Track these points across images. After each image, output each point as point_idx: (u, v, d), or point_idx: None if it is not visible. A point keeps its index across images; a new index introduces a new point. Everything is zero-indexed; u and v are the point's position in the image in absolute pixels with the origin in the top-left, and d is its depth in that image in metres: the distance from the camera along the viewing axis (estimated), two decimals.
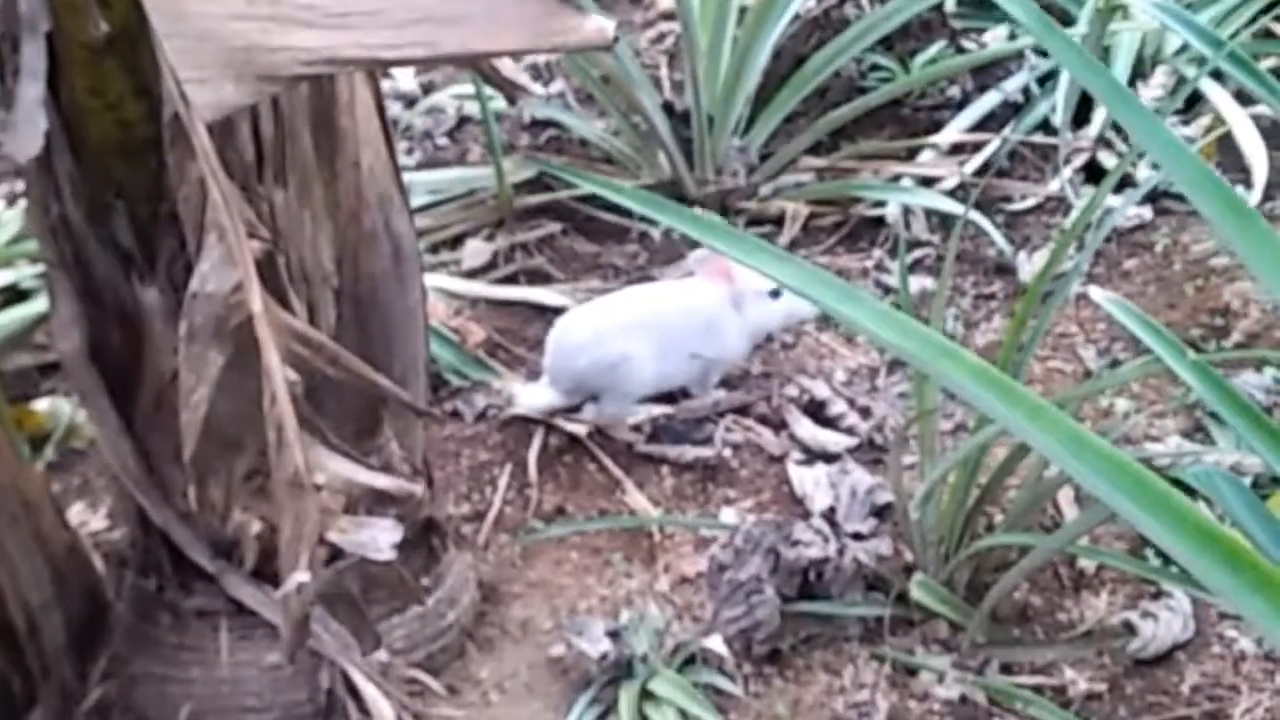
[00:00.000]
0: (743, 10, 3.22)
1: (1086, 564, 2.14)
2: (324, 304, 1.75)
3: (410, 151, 3.40)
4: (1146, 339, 1.60)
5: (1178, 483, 1.68)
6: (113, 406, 1.78)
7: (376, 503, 1.89)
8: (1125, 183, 2.77)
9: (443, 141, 3.45)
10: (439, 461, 2.43)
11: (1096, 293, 1.73)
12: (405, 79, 3.76)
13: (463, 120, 3.51)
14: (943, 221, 2.95)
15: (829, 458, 2.34)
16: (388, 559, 1.25)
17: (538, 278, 2.94)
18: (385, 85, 3.72)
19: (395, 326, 1.87)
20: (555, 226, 3.06)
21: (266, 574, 1.81)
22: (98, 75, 1.55)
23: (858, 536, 2.10)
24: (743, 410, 2.47)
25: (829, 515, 2.16)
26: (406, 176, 3.07)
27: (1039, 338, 2.16)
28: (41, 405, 2.57)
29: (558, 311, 2.71)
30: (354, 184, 1.76)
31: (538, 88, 1.31)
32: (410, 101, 3.60)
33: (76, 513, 2.38)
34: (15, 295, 2.78)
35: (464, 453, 2.47)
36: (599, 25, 1.00)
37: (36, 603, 1.90)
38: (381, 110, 1.82)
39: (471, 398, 2.57)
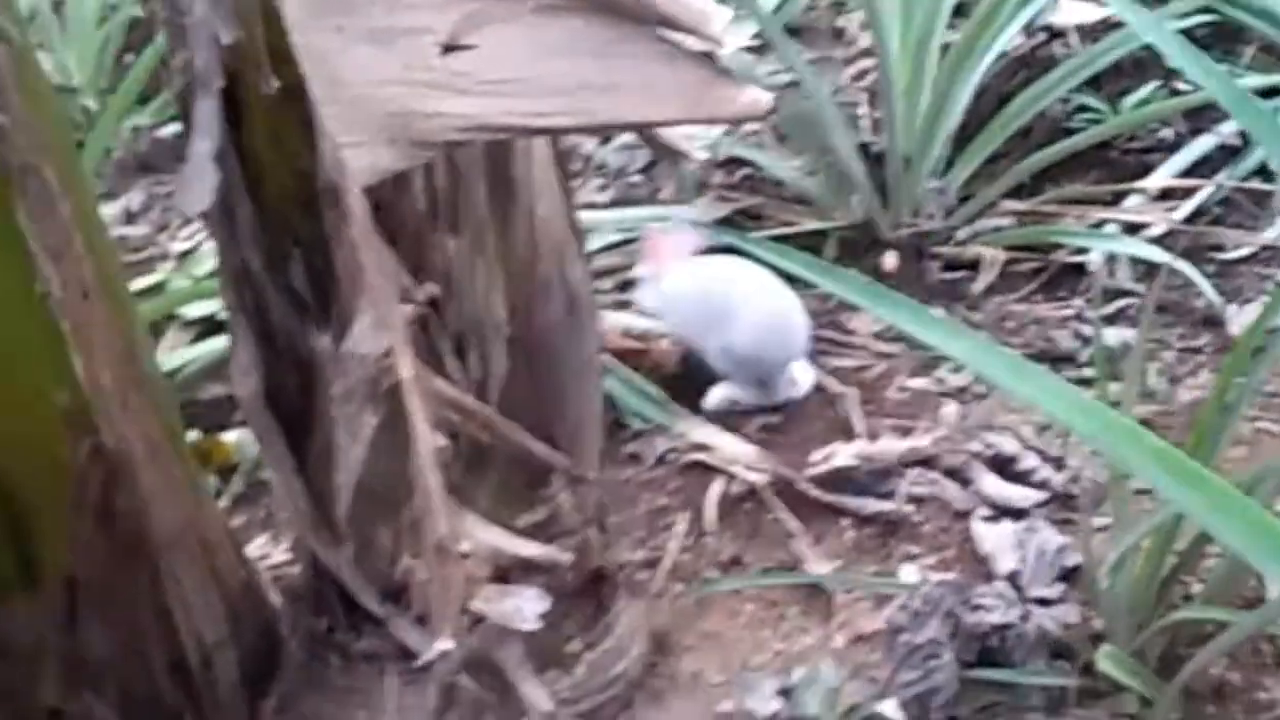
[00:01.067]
0: (946, 48, 3.15)
1: None
2: (496, 354, 1.74)
3: (604, 188, 3.40)
4: None
5: None
6: (288, 450, 1.79)
7: (566, 567, 1.90)
8: None
9: (635, 179, 3.44)
10: (616, 506, 2.41)
11: None
12: None
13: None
14: (1149, 271, 2.83)
15: (1016, 514, 2.26)
16: (534, 628, 1.23)
17: None
18: None
19: (569, 377, 1.85)
20: None
21: None
22: (278, 125, 1.57)
23: (1043, 602, 2.02)
24: (928, 462, 2.40)
25: (1013, 578, 2.08)
26: (597, 214, 3.14)
27: (1246, 397, 2.05)
28: (231, 437, 2.62)
29: None
30: (528, 233, 1.74)
31: (701, 152, 1.28)
32: (607, 138, 3.60)
33: (259, 545, 2.42)
34: (212, 327, 2.84)
35: (642, 497, 2.44)
36: (754, 97, 0.96)
37: (211, 639, 1.92)
38: (559, 158, 1.80)
39: (652, 440, 2.55)
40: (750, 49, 3.73)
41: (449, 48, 1.07)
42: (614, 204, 3.32)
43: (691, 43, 1.01)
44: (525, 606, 1.24)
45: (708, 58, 0.99)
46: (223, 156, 1.57)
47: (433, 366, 1.69)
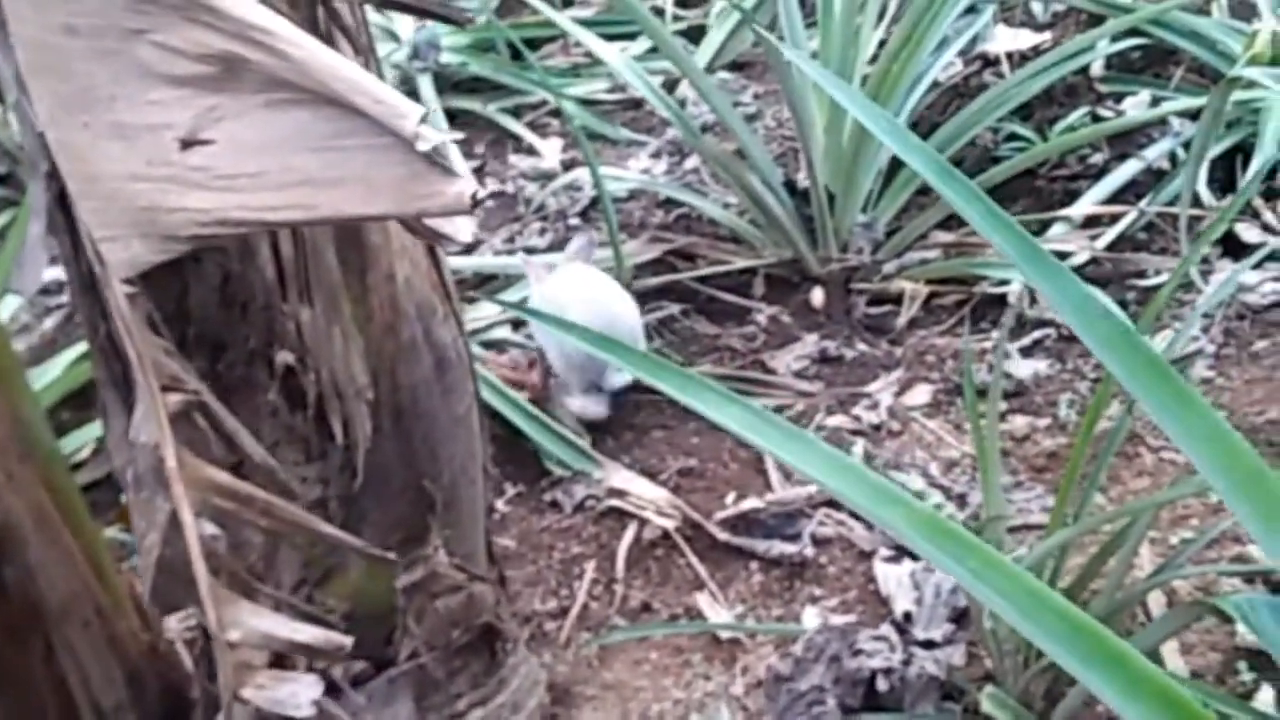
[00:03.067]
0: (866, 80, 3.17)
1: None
2: (359, 417, 1.76)
3: (542, 232, 3.43)
4: None
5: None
6: None
7: (451, 624, 1.93)
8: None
9: (575, 221, 3.47)
10: (531, 555, 2.44)
11: None
12: (551, 157, 3.81)
13: (597, 199, 3.51)
14: None
15: (917, 554, 2.26)
16: (307, 715, 1.25)
17: None
18: (528, 164, 3.79)
19: (441, 435, 1.87)
20: (675, 308, 3.04)
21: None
22: None
23: (929, 644, 2.03)
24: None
25: (908, 619, 2.09)
26: (537, 259, 3.16)
27: (1124, 426, 2.06)
28: None
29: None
30: (388, 297, 1.77)
31: (468, 236, 1.26)
32: (549, 179, 3.62)
33: None
34: None
35: (557, 546, 2.46)
36: (459, 191, 0.98)
37: (108, 704, 1.95)
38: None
39: (571, 488, 2.56)
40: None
41: (187, 143, 1.10)
42: (551, 247, 3.34)
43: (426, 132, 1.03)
44: (301, 692, 1.25)
45: (421, 150, 1.01)
46: (84, 233, 1.60)
47: (290, 434, 1.74)
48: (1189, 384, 1.10)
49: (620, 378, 2.68)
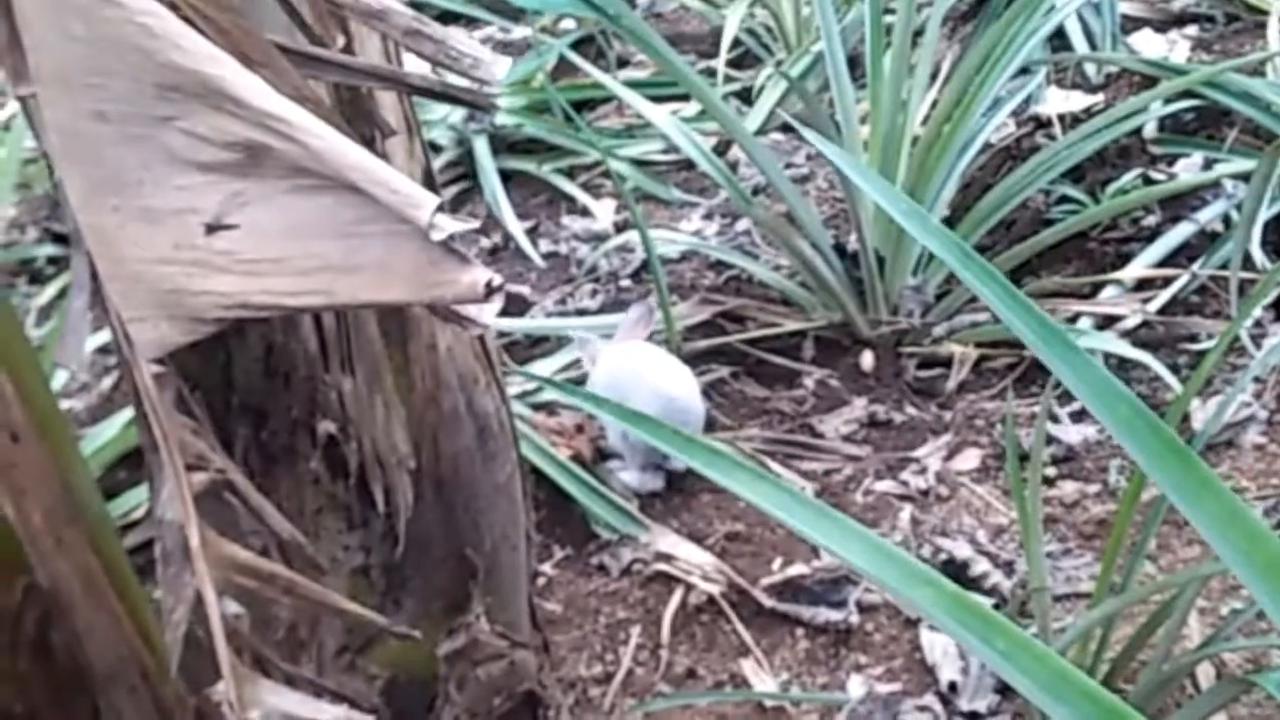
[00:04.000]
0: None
1: None
2: (401, 486, 1.78)
3: (594, 294, 3.44)
4: None
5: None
6: None
7: (493, 691, 1.93)
8: None
9: (626, 283, 3.48)
10: (577, 619, 2.44)
11: None
12: (604, 218, 3.83)
13: (649, 261, 3.52)
14: (1120, 364, 2.81)
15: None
16: None
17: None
18: (581, 225, 3.81)
19: (483, 503, 1.89)
20: (725, 370, 3.05)
21: None
22: None
23: (974, 716, 2.02)
24: None
25: (949, 690, 2.08)
26: (585, 320, 3.18)
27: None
28: None
29: None
30: (430, 367, 1.79)
31: (490, 319, 1.28)
32: (602, 241, 3.64)
33: None
34: None
35: (604, 610, 2.46)
36: (474, 279, 0.99)
37: None
38: None
39: (619, 552, 2.57)
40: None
41: (213, 228, 1.12)
42: (603, 309, 3.35)
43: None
44: None
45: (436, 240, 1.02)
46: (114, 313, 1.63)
47: (333, 502, 1.75)
48: (1208, 468, 1.09)
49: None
